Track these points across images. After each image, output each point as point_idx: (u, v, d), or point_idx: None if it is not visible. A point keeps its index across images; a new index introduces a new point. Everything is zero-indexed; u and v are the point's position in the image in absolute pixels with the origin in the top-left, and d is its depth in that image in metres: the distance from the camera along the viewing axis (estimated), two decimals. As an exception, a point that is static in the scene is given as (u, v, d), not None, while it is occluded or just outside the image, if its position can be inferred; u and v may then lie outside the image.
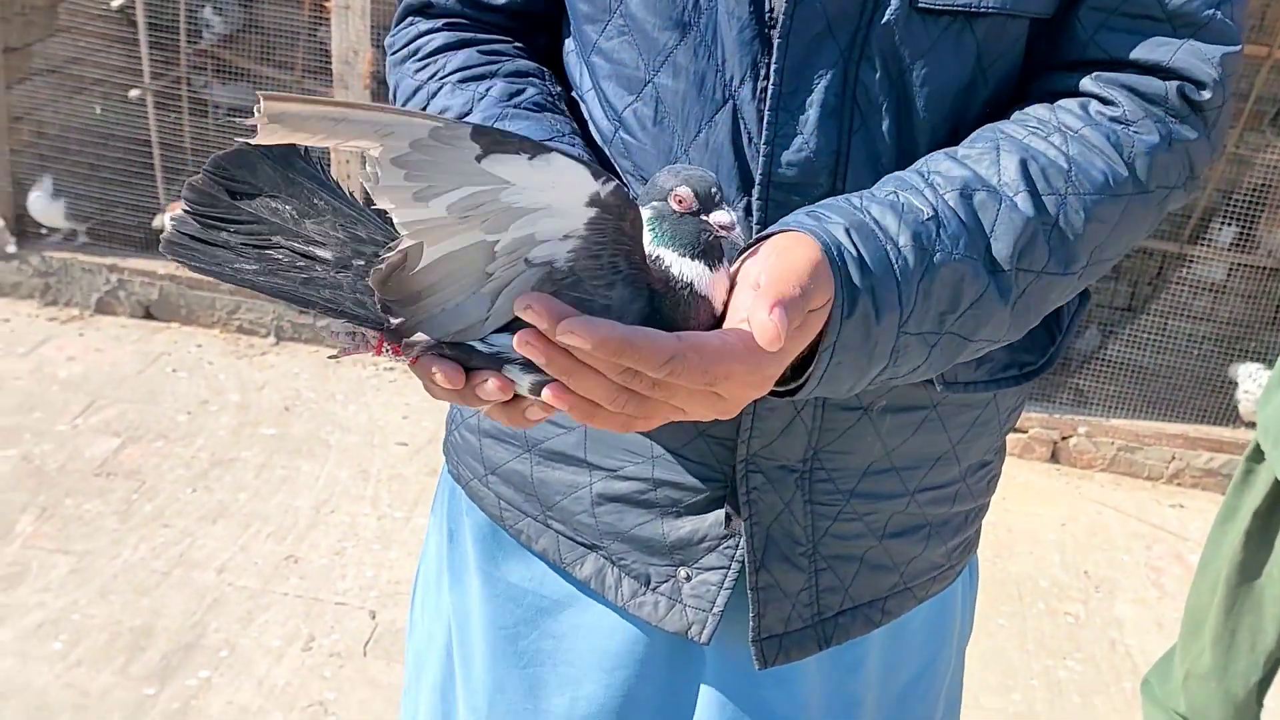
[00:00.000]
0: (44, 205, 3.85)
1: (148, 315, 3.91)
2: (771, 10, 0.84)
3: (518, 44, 1.00)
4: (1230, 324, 3.83)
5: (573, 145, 0.91)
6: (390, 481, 3.23)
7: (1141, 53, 0.85)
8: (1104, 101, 0.86)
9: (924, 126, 0.86)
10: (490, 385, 0.73)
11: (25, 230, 3.92)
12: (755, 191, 0.87)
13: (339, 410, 3.55)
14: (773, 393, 0.80)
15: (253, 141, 0.62)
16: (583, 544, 1.01)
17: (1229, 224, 3.78)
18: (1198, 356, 3.82)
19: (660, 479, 0.97)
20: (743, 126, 0.87)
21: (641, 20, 0.88)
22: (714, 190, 0.75)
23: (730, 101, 0.86)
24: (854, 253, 0.76)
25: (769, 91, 0.85)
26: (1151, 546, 3.40)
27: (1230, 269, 3.90)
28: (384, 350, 0.76)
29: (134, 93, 3.90)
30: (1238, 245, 3.81)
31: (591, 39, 0.92)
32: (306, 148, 0.75)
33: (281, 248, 0.75)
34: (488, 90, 0.94)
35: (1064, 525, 3.44)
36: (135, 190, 3.94)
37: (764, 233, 0.79)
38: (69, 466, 3.10)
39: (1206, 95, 0.85)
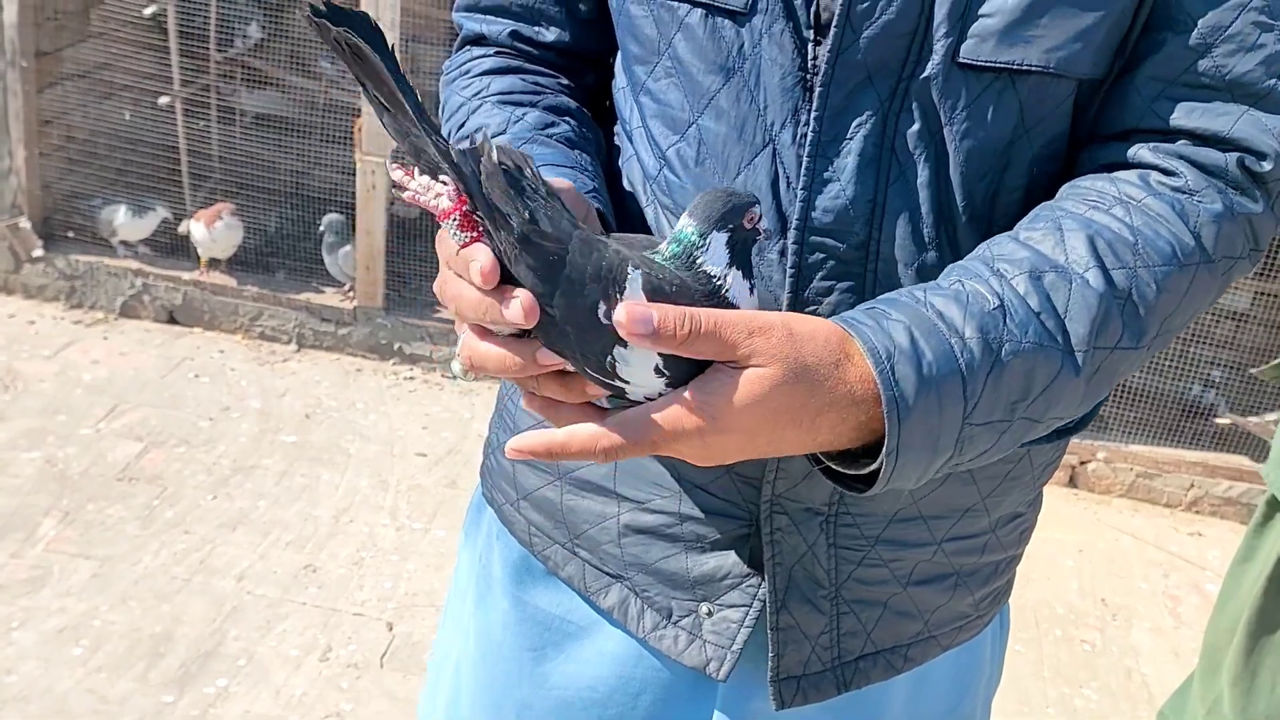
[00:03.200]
0: (129, 221, 3.89)
1: (171, 320, 3.94)
2: (814, 58, 0.86)
3: (563, 80, 1.03)
4: (1252, 351, 3.82)
5: (594, 179, 0.92)
6: (409, 492, 3.24)
7: (1200, 122, 0.84)
8: (1165, 172, 0.85)
9: (963, 181, 0.87)
10: (516, 303, 0.71)
11: (52, 233, 3.95)
12: (791, 235, 0.88)
13: (359, 419, 3.57)
14: (843, 483, 0.81)
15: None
16: (608, 574, 1.02)
17: (1253, 251, 3.76)
18: (1220, 384, 3.81)
19: (687, 514, 0.97)
20: (781, 171, 0.88)
21: (688, 63, 0.89)
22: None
23: (770, 145, 0.88)
24: (909, 351, 0.75)
25: (808, 138, 0.86)
26: (1169, 575, 3.39)
27: (1254, 297, 3.88)
28: (451, 216, 0.72)
29: (163, 99, 3.94)
30: (1261, 274, 3.79)
31: (640, 79, 0.94)
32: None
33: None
34: (524, 115, 0.97)
35: (1081, 551, 3.43)
36: (162, 196, 3.97)
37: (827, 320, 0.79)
38: (92, 471, 3.12)
39: (1268, 167, 0.84)
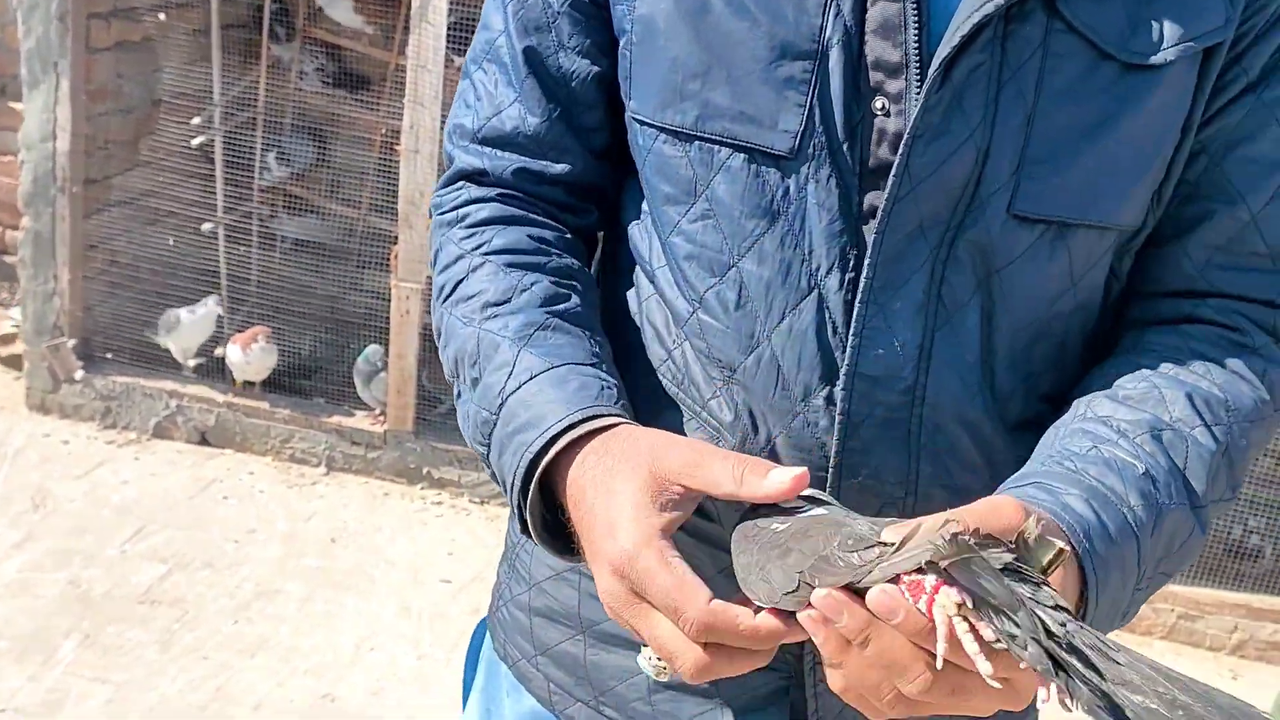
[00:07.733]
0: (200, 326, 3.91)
1: (203, 441, 3.96)
2: (861, 204, 0.85)
3: (565, 228, 0.99)
4: (1294, 489, 3.74)
5: (611, 373, 0.89)
6: (432, 620, 3.19)
7: (1252, 289, 0.90)
8: (1231, 329, 0.90)
9: (1008, 328, 0.87)
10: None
11: (92, 355, 4.01)
12: (840, 382, 0.86)
13: (385, 544, 3.54)
14: None
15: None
16: None
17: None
18: (1265, 522, 3.72)
19: None
20: (827, 316, 0.86)
21: (729, 206, 0.88)
22: None
23: (815, 291, 0.86)
24: (1098, 525, 0.78)
25: (859, 284, 0.85)
26: (1215, 721, 3.26)
27: (1293, 433, 3.82)
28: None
29: (207, 226, 4.03)
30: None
31: (672, 219, 0.91)
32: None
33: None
34: (531, 285, 0.92)
35: (1123, 695, 3.31)
36: (200, 318, 4.03)
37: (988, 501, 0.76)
38: (114, 593, 3.10)
39: None
